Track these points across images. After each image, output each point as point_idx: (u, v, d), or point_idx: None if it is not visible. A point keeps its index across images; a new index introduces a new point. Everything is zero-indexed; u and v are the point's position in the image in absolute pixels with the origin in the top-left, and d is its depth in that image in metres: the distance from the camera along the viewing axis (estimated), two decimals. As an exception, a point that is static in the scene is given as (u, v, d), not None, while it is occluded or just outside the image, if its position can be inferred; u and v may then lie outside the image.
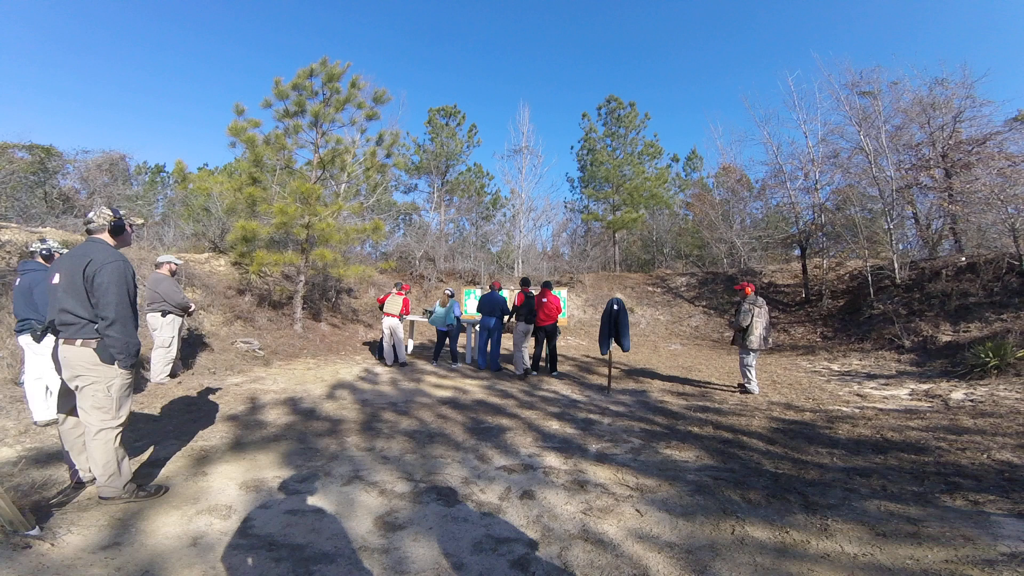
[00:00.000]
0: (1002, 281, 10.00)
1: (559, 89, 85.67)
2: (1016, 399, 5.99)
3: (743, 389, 7.13)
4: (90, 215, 2.99)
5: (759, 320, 6.98)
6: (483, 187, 29.30)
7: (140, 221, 3.50)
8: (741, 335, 7.05)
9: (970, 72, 13.46)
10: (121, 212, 3.09)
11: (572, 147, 33.78)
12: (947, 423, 5.23)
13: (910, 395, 6.84)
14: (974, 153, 12.59)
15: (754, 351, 7.00)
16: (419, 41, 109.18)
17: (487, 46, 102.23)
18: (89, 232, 2.99)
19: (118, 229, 3.03)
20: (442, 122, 26.37)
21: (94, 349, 2.82)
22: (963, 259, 11.66)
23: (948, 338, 9.30)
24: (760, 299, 7.15)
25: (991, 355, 7.20)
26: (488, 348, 8.74)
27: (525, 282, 8.42)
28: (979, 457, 4.11)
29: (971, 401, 6.13)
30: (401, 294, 8.90)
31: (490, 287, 8.82)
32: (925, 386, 7.24)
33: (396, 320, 8.65)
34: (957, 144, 13.13)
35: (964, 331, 9.28)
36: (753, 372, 7.08)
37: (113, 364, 2.85)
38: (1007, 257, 10.28)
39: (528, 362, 8.41)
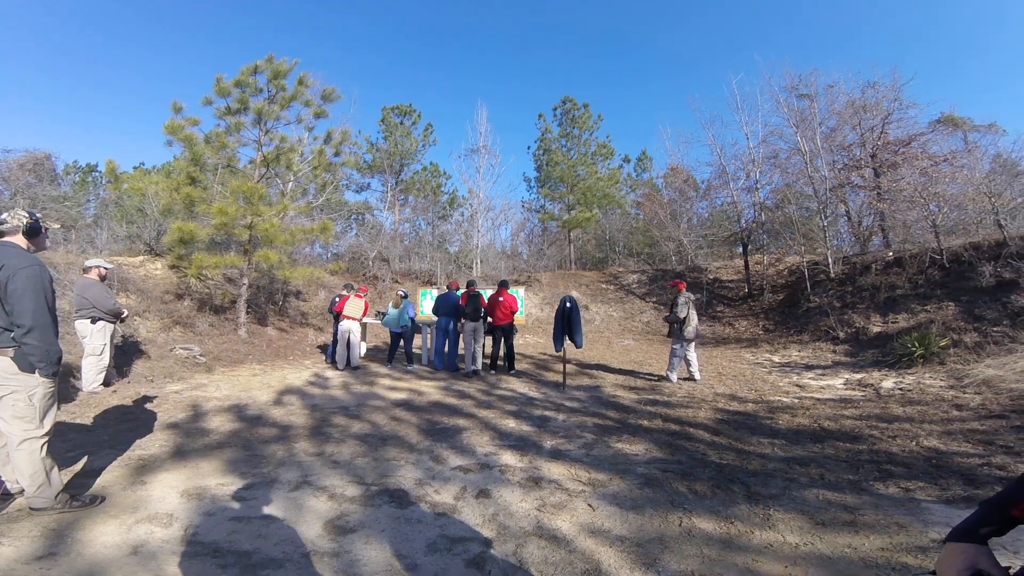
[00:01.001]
0: (925, 274, 10.72)
1: (517, 87, 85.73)
2: (940, 387, 6.42)
3: (665, 378, 7.64)
4: (3, 216, 2.80)
5: (693, 312, 7.55)
6: (440, 186, 29.07)
7: (57, 225, 3.29)
8: (679, 327, 7.53)
9: (899, 75, 14.43)
10: (38, 214, 2.91)
11: (529, 147, 33.85)
12: (879, 411, 5.56)
13: (845, 384, 7.24)
14: (900, 153, 13.47)
15: (690, 340, 7.51)
16: (375, 32, 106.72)
17: (444, 41, 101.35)
18: (0, 235, 2.79)
19: (34, 231, 2.86)
20: (396, 120, 25.98)
21: (12, 358, 2.67)
22: (890, 254, 12.44)
23: (878, 329, 9.90)
24: (691, 294, 7.79)
25: (917, 345, 7.71)
26: (445, 349, 8.68)
27: (470, 284, 8.52)
28: (909, 444, 4.36)
29: (900, 390, 6.54)
30: (360, 296, 8.67)
31: (447, 287, 8.75)
32: (858, 376, 7.68)
33: (356, 323, 8.43)
34: (885, 144, 14.00)
35: (892, 322, 9.89)
36: (695, 360, 7.61)
37: (34, 372, 2.70)
38: (930, 252, 11.01)
39: (479, 360, 8.36)
